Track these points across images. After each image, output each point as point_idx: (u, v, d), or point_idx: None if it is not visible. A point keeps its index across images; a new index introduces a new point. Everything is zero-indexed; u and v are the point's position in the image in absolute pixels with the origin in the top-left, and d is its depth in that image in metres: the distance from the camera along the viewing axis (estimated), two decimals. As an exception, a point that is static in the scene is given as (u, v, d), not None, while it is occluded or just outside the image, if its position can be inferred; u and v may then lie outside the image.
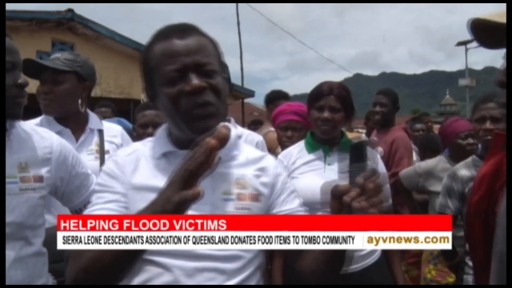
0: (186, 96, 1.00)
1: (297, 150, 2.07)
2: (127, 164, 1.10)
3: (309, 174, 1.94)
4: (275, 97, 3.56)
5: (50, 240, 1.41)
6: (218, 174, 1.07)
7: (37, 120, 1.94)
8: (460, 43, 25.34)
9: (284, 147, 2.46)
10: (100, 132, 2.04)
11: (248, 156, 1.17)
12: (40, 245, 1.38)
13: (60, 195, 1.49)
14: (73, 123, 1.95)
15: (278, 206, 1.15)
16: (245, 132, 2.23)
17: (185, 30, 1.05)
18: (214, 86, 1.02)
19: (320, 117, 1.95)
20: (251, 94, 12.54)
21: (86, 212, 1.06)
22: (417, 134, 4.44)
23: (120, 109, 4.87)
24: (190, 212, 0.97)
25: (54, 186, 1.44)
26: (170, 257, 1.01)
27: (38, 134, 1.44)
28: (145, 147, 1.15)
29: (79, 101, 1.95)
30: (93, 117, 2.06)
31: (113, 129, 2.16)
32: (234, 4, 12.47)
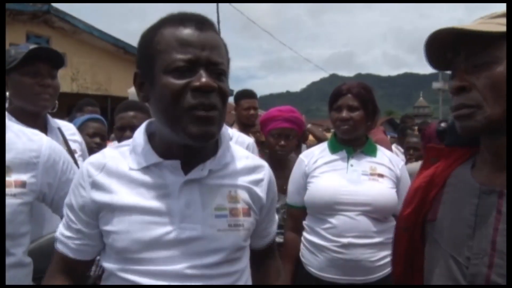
0: (192, 92, 0.88)
1: (320, 150, 2.04)
2: (100, 184, 0.98)
3: (330, 174, 1.92)
4: (241, 96, 3.63)
5: (36, 252, 1.36)
6: (209, 187, 0.99)
7: None
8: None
9: (276, 155, 2.45)
10: (60, 130, 1.89)
11: (241, 164, 1.07)
12: (23, 255, 1.28)
13: (49, 202, 1.40)
14: (39, 123, 1.77)
15: (264, 223, 1.14)
16: (236, 134, 2.21)
17: (204, 22, 0.94)
18: (222, 89, 0.92)
19: (339, 117, 1.93)
20: (230, 93, 12.47)
21: (57, 233, 1.05)
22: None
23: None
24: (179, 231, 0.95)
25: (41, 193, 1.34)
26: (154, 278, 0.93)
27: (26, 136, 1.34)
28: (120, 155, 1.02)
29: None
30: (48, 115, 1.86)
31: (69, 127, 2.03)
32: (212, 3, 12.37)
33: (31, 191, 1.30)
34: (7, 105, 1.74)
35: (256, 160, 1.13)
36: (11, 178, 1.25)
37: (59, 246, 1.04)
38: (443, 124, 0.96)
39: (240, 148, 1.14)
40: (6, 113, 1.68)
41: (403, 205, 1.05)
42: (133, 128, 2.46)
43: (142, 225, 0.94)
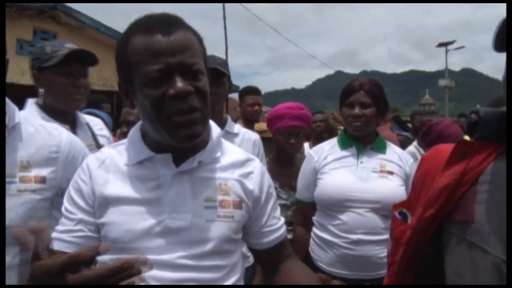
0: (169, 100, 0.91)
1: (329, 146, 2.04)
2: (98, 176, 1.02)
3: (340, 170, 1.92)
4: (246, 92, 3.68)
5: None
6: (200, 179, 1.03)
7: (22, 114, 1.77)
8: (441, 44, 25.77)
9: (286, 153, 2.44)
10: (88, 126, 1.92)
11: (232, 158, 1.10)
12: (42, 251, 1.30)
13: None
14: (69, 119, 1.81)
15: (262, 218, 1.12)
16: (242, 130, 2.20)
17: (169, 24, 0.93)
18: (200, 89, 0.94)
19: (351, 113, 1.93)
20: (235, 89, 12.46)
21: (52, 234, 1.01)
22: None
23: (104, 102, 4.78)
24: (169, 221, 0.97)
25: (60, 188, 1.33)
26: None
27: (46, 131, 1.34)
28: (118, 153, 1.07)
29: None
30: (77, 111, 1.88)
31: (96, 122, 2.04)
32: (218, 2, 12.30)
33: (51, 186, 1.30)
34: (39, 101, 1.76)
35: (245, 154, 1.15)
36: (31, 173, 1.25)
37: (56, 245, 1.02)
38: (473, 116, 0.91)
39: (230, 144, 1.17)
40: (37, 108, 1.73)
41: (424, 205, 0.98)
42: (129, 124, 2.50)
43: (135, 215, 0.98)
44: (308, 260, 1.98)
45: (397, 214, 1.15)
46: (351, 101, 1.94)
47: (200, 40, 0.99)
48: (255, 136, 2.19)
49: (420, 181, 1.04)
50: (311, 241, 2.00)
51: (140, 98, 0.95)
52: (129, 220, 0.97)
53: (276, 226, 1.15)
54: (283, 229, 1.18)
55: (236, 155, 1.12)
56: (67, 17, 8.01)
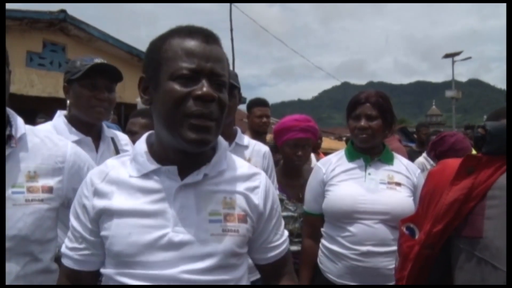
0: (193, 100, 0.94)
1: (337, 158, 2.04)
2: (102, 190, 1.03)
3: (348, 182, 1.91)
4: (254, 104, 3.69)
5: None
6: (204, 193, 1.02)
7: (48, 126, 1.78)
8: (447, 55, 25.73)
9: (293, 165, 2.43)
10: (113, 140, 1.94)
11: (238, 172, 1.10)
12: (50, 261, 1.30)
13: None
14: (93, 131, 1.84)
15: (265, 233, 1.12)
16: (252, 142, 2.20)
17: (210, 36, 0.99)
18: (221, 100, 0.98)
19: (357, 126, 1.93)
20: (243, 101, 12.51)
21: (62, 248, 1.08)
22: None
23: (113, 113, 4.82)
24: (172, 234, 0.97)
25: (66, 198, 1.35)
26: (150, 283, 0.95)
27: (52, 142, 1.36)
28: (122, 165, 1.07)
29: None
30: (104, 125, 1.93)
31: (123, 137, 2.06)
32: (223, 9, 12.40)
33: (58, 196, 1.32)
34: (66, 112, 1.84)
35: (252, 168, 1.15)
36: (38, 183, 1.27)
37: (64, 261, 1.07)
38: (480, 130, 0.90)
39: (237, 157, 1.17)
40: (64, 119, 1.80)
41: (433, 220, 0.97)
42: (131, 134, 2.50)
43: (138, 228, 0.97)
44: (316, 271, 1.98)
45: (404, 229, 1.16)
46: (357, 113, 1.94)
47: (228, 62, 1.04)
48: (265, 148, 2.19)
49: (428, 196, 1.03)
50: (320, 253, 1.99)
51: (162, 92, 0.96)
52: (133, 233, 0.97)
53: (277, 242, 1.15)
54: (285, 245, 1.17)
55: (242, 169, 1.11)
56: (75, 29, 8.13)
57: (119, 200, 1.00)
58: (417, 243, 1.04)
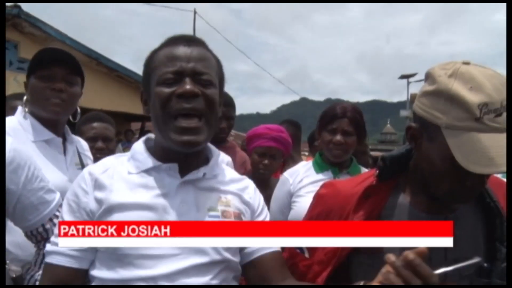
0: (176, 98, 0.98)
1: (304, 169, 2.03)
2: (102, 183, 1.03)
3: None
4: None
5: None
6: (202, 190, 1.08)
7: (13, 120, 1.58)
8: (403, 76, 26.88)
9: (258, 174, 2.34)
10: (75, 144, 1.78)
11: (229, 176, 1.17)
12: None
13: (10, 211, 1.24)
14: (59, 132, 1.66)
15: None
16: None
17: (193, 40, 1.06)
18: (207, 95, 1.01)
19: (333, 140, 1.92)
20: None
21: (48, 247, 1.02)
22: None
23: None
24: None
25: None
26: (152, 281, 0.95)
27: None
28: (120, 163, 1.08)
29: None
30: (67, 128, 1.75)
31: (82, 143, 1.88)
32: (191, 22, 12.36)
33: None
34: (23, 109, 1.62)
35: (238, 175, 1.23)
36: None
37: (53, 259, 1.01)
38: (381, 163, 1.09)
39: (226, 166, 1.24)
40: (30, 116, 1.59)
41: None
42: (105, 140, 2.33)
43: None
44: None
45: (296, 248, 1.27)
46: (334, 127, 1.94)
47: (219, 64, 1.10)
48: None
49: (322, 218, 1.15)
50: None
51: (152, 97, 1.02)
52: None
53: None
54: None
55: (232, 174, 1.19)
56: (31, 26, 7.75)
57: (120, 194, 1.01)
58: (315, 263, 1.14)
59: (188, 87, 0.98)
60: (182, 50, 1.03)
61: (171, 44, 1.05)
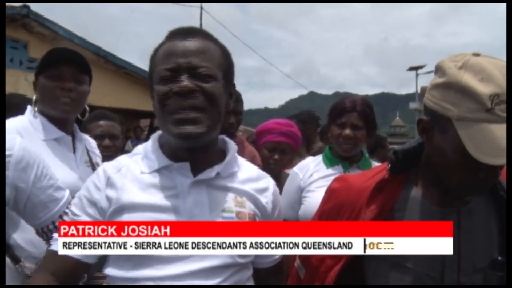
0: (173, 96, 0.95)
1: (314, 164, 2.00)
2: (115, 182, 1.02)
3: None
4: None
5: None
6: (216, 190, 1.03)
7: (24, 120, 1.59)
8: (411, 68, 26.62)
9: (269, 169, 2.29)
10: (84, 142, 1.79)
11: (247, 174, 1.11)
12: None
13: (21, 209, 1.27)
14: (68, 130, 1.67)
15: None
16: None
17: (189, 32, 1.02)
18: (206, 90, 0.96)
19: (342, 134, 1.89)
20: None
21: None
22: None
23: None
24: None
25: (8, 197, 1.21)
26: (160, 281, 0.93)
27: None
28: (134, 162, 1.07)
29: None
30: (76, 127, 1.76)
31: (89, 140, 1.90)
32: (197, 18, 12.35)
33: None
34: (33, 108, 1.63)
35: (260, 171, 1.17)
36: None
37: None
38: (392, 156, 1.09)
39: (244, 160, 1.18)
40: (40, 115, 1.61)
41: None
42: (112, 137, 2.34)
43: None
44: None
45: (296, 266, 1.25)
46: (343, 121, 1.90)
47: (224, 53, 1.04)
48: None
49: (334, 212, 1.15)
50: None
51: (154, 96, 1.00)
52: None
53: None
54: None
55: (251, 172, 1.13)
56: (39, 26, 7.79)
57: (131, 194, 0.99)
58: (328, 256, 1.11)
59: (183, 83, 0.94)
60: (178, 45, 0.99)
61: (169, 39, 1.02)
